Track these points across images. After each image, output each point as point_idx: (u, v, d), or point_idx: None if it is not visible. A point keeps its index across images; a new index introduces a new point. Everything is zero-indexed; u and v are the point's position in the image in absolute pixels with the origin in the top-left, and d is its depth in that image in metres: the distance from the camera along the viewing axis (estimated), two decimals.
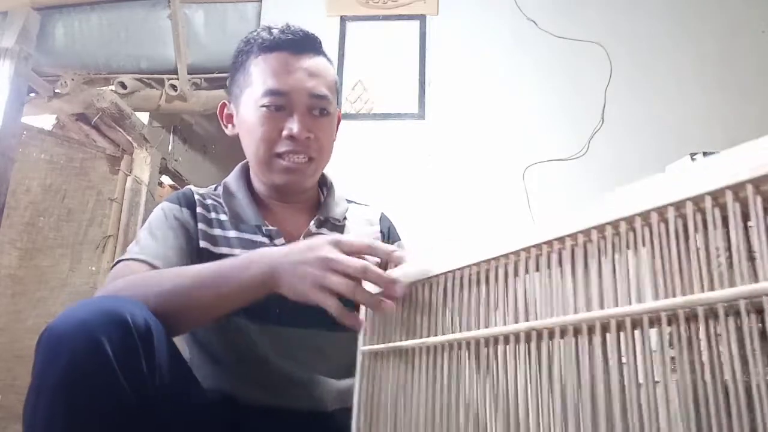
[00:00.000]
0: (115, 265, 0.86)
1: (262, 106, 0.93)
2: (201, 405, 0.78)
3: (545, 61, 2.17)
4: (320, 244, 0.70)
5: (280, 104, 0.93)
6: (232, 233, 0.95)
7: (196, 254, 0.91)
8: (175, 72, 2.50)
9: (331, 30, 2.27)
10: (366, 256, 0.71)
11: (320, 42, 1.00)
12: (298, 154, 0.94)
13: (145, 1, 2.53)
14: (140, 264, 0.84)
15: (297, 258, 0.70)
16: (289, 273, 0.70)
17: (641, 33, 2.16)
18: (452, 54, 2.23)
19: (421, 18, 2.29)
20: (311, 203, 1.05)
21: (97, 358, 0.60)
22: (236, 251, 0.92)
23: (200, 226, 0.94)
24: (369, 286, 0.69)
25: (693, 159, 1.48)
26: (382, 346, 0.70)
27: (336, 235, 0.78)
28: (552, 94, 2.13)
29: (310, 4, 2.33)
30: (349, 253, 0.69)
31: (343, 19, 2.31)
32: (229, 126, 1.03)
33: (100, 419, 0.61)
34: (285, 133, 0.93)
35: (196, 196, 0.98)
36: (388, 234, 1.09)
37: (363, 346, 0.74)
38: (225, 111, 1.03)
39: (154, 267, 0.84)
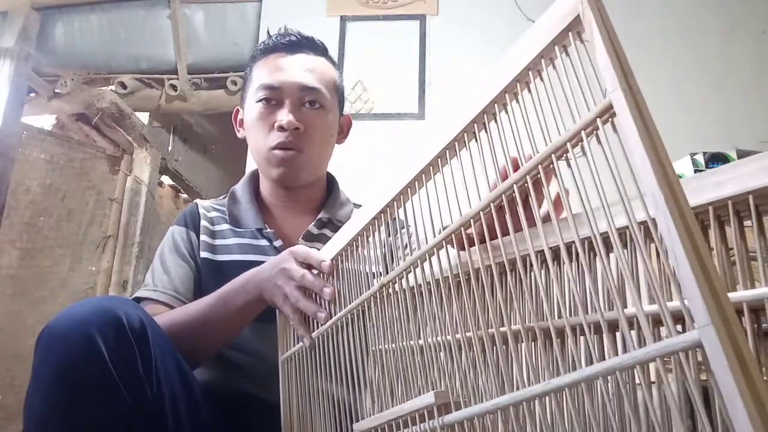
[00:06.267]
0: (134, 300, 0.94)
1: (257, 101, 0.98)
2: (198, 401, 0.80)
3: None
4: (284, 257, 0.78)
5: (272, 98, 0.98)
6: (232, 240, 1.00)
7: (197, 270, 0.98)
8: (175, 72, 2.50)
9: (331, 30, 2.27)
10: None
11: (320, 45, 1.05)
12: (289, 145, 0.97)
13: (145, 1, 2.53)
14: (155, 305, 0.93)
15: (270, 273, 0.79)
16: (269, 286, 0.78)
17: (641, 33, 2.16)
18: (452, 54, 2.23)
19: (421, 18, 2.29)
20: (316, 204, 1.07)
21: (91, 355, 0.62)
22: (236, 257, 0.97)
23: (203, 238, 0.99)
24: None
25: (693, 159, 1.48)
26: (294, 349, 0.80)
27: (295, 247, 0.82)
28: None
29: (310, 4, 2.33)
30: (300, 262, 0.76)
31: (343, 19, 2.31)
32: (241, 129, 1.07)
33: (94, 414, 0.62)
34: (276, 124, 0.96)
35: (201, 210, 1.04)
36: (394, 233, 1.09)
37: (281, 356, 0.83)
38: (238, 116, 1.08)
39: (168, 305, 0.93)
